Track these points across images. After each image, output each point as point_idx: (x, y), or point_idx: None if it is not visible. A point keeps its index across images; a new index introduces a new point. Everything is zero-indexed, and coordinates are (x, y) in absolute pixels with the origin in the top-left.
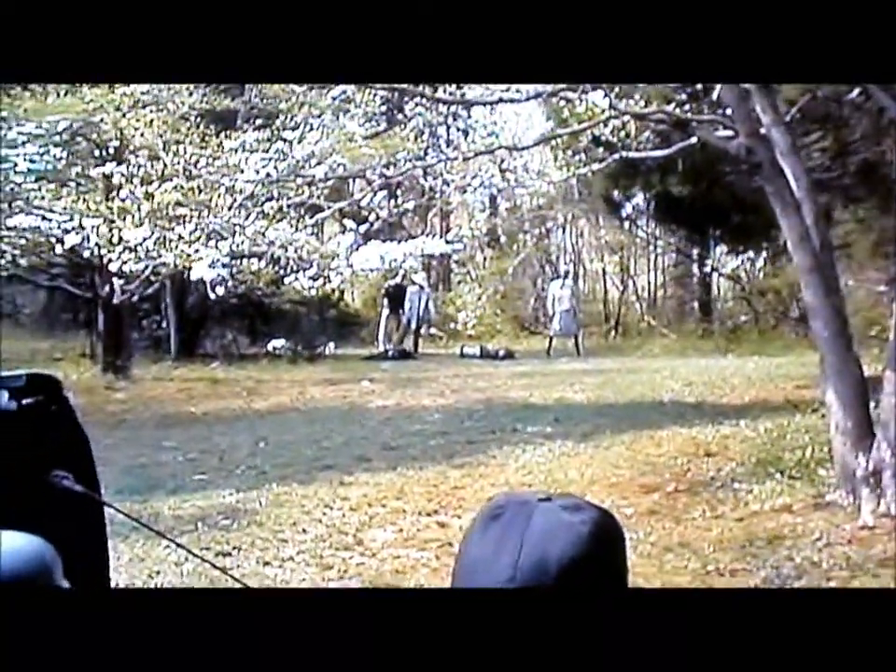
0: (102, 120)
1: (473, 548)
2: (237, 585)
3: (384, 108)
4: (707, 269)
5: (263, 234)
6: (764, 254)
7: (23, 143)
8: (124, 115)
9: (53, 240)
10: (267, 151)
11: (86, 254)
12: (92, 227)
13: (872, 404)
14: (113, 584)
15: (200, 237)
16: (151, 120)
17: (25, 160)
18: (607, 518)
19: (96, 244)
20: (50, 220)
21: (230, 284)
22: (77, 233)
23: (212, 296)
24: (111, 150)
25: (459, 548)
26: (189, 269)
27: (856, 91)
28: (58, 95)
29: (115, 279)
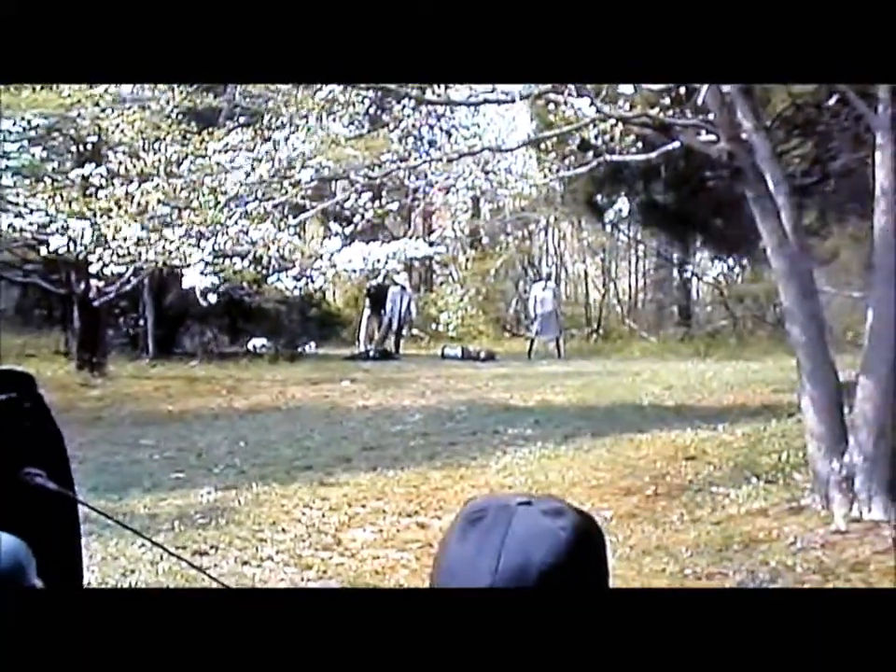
0: (79, 116)
1: (452, 552)
2: (214, 585)
3: (370, 110)
4: (688, 274)
5: (246, 234)
6: (744, 260)
7: None
8: (103, 111)
9: (29, 237)
10: (251, 151)
11: (62, 250)
12: (74, 228)
13: (846, 409)
14: (86, 583)
15: (182, 236)
16: (134, 121)
17: (1, 156)
18: (587, 522)
19: (81, 244)
20: (25, 217)
21: (219, 288)
22: (62, 234)
23: (203, 304)
24: (89, 147)
25: (438, 551)
26: (173, 269)
27: (834, 98)
28: (33, 90)
29: (93, 279)
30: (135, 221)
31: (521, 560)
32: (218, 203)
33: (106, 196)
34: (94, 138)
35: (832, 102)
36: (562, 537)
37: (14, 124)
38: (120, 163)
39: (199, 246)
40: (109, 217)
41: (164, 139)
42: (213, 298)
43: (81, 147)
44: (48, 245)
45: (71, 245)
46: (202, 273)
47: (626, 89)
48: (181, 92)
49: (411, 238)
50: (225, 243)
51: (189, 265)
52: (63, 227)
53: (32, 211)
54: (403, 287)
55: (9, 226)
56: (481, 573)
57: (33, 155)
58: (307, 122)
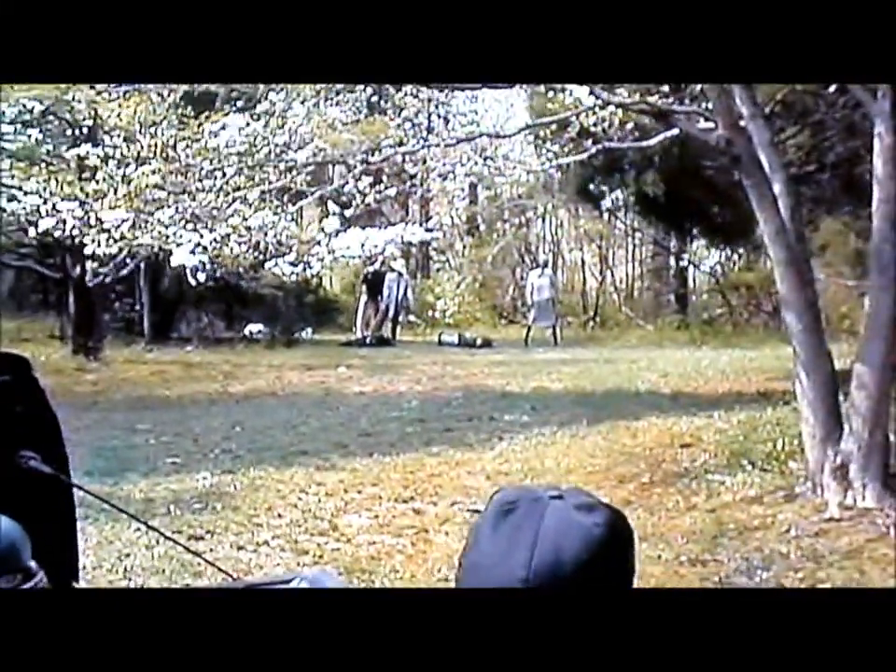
0: (75, 99)
1: (484, 543)
2: (210, 569)
3: (369, 96)
4: (685, 262)
5: (245, 219)
6: (741, 249)
7: None
8: (99, 93)
9: (24, 220)
10: (248, 136)
11: (57, 233)
12: (67, 210)
13: (841, 398)
14: (81, 566)
15: (178, 220)
16: (130, 104)
17: None
18: (618, 519)
19: (72, 226)
20: (21, 201)
21: (208, 268)
22: (53, 216)
23: (192, 282)
24: (84, 130)
25: (468, 541)
26: (168, 252)
27: (833, 86)
28: None
29: (88, 262)
30: (130, 205)
31: (554, 554)
32: (215, 186)
33: (101, 178)
34: (90, 122)
35: (830, 89)
36: (595, 533)
37: (19, 112)
38: (116, 147)
39: (196, 230)
40: (105, 199)
41: (161, 122)
42: (202, 276)
43: (77, 131)
44: (37, 227)
45: (61, 226)
46: (191, 252)
47: None
48: None
49: (408, 224)
50: (226, 232)
51: (180, 245)
52: (52, 208)
53: (26, 193)
54: (400, 274)
55: (2, 209)
56: (514, 566)
57: (28, 136)
58: (305, 107)
